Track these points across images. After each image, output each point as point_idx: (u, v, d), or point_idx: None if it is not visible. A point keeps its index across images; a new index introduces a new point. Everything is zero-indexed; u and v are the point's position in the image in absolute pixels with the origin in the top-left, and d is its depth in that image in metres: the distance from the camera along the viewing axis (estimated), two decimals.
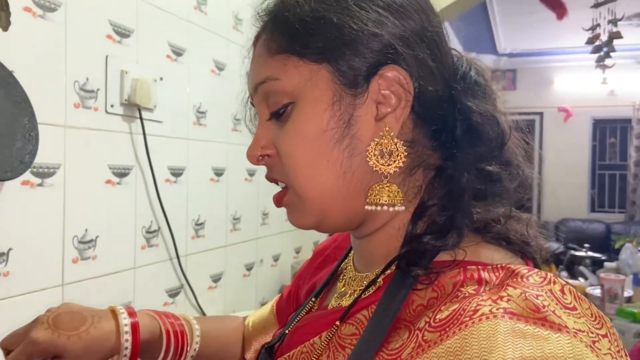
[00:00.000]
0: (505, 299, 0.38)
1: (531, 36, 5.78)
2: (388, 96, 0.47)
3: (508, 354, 0.34)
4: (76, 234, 1.08)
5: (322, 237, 2.10)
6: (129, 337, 0.62)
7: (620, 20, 3.78)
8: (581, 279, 3.02)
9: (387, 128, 0.47)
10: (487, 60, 6.29)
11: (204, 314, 1.48)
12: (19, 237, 0.96)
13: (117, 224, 1.20)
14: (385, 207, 0.47)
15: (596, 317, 0.39)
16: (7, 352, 0.59)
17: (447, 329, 0.38)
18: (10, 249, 0.94)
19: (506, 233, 0.48)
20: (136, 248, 1.26)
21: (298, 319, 0.60)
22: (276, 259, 1.99)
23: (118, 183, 1.20)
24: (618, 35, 3.74)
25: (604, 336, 0.38)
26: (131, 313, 0.64)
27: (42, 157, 0.97)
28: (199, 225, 1.50)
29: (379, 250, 0.51)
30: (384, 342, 0.43)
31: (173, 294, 1.40)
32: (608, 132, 6.65)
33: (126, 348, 0.62)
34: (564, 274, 3.92)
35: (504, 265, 0.42)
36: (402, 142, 0.47)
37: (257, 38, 0.53)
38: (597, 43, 3.89)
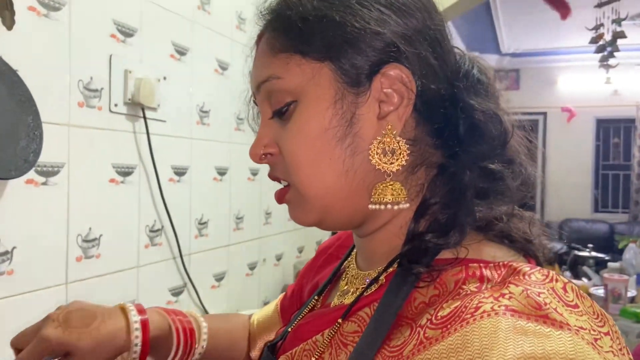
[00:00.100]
0: (507, 296, 0.38)
1: (535, 36, 5.76)
2: (390, 94, 0.47)
3: (509, 351, 0.34)
4: (80, 233, 1.09)
5: (324, 237, 2.10)
6: (139, 334, 0.62)
7: (624, 19, 3.77)
8: (585, 279, 3.01)
9: (389, 126, 0.47)
10: (490, 60, 6.26)
11: (207, 312, 1.48)
12: (23, 236, 0.96)
13: (121, 223, 1.20)
14: (389, 206, 0.47)
15: (598, 315, 0.39)
16: (17, 351, 0.60)
17: (449, 326, 0.38)
18: (14, 248, 0.94)
19: (508, 231, 0.48)
20: (139, 247, 1.26)
21: (301, 317, 0.60)
22: (279, 258, 1.99)
23: (122, 182, 1.20)
24: (622, 35, 3.73)
25: (606, 334, 0.38)
26: (141, 310, 0.64)
27: (46, 156, 0.98)
28: (202, 224, 1.51)
29: (381, 248, 0.51)
30: (386, 339, 0.43)
31: (176, 292, 1.40)
32: (612, 132, 6.63)
33: (136, 345, 0.62)
34: (568, 274, 3.90)
35: (506, 263, 0.42)
36: (404, 140, 0.47)
37: (259, 37, 0.53)
38: (600, 43, 3.89)
